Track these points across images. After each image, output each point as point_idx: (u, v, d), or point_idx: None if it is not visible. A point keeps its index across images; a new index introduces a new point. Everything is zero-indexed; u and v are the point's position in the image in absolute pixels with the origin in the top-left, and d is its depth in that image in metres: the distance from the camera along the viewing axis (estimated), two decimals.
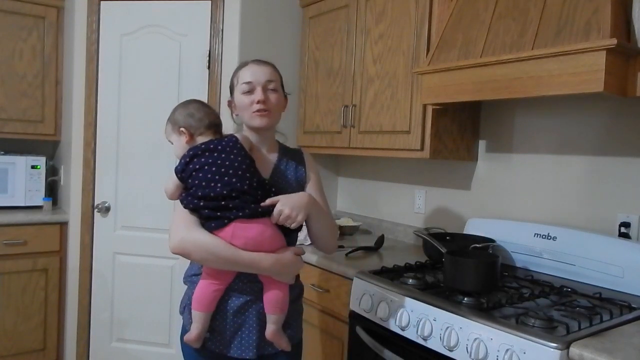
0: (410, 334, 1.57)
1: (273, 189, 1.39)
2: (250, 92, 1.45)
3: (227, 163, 1.33)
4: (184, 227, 1.33)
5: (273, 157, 1.54)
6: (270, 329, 1.39)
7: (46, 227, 2.83)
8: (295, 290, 1.51)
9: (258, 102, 1.44)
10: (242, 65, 1.51)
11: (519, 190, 2.10)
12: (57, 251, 2.86)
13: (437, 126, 2.10)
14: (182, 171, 1.35)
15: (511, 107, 2.13)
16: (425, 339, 1.51)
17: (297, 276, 1.53)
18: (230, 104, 1.54)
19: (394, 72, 2.23)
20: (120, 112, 2.75)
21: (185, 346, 1.45)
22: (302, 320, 1.57)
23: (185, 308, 1.47)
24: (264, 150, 1.53)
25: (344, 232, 2.64)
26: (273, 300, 1.39)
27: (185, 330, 1.47)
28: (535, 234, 1.90)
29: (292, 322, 1.49)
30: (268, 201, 1.34)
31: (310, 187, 1.54)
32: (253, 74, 1.46)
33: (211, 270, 1.37)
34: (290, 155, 1.58)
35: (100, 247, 2.79)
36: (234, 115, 1.55)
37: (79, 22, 2.74)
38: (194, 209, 1.34)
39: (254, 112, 1.45)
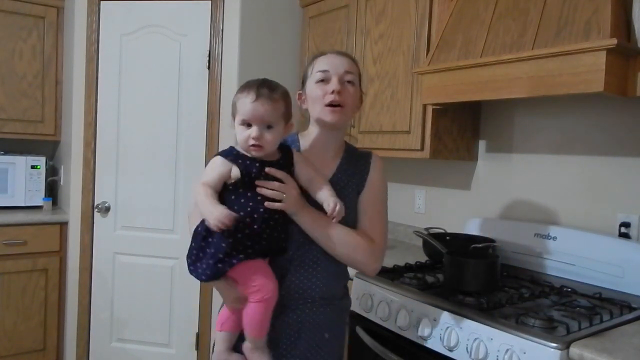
0: (410, 334, 1.56)
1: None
2: (324, 81, 1.28)
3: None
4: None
5: (335, 163, 1.35)
6: (246, 345, 1.22)
7: (46, 227, 2.82)
8: (336, 309, 1.35)
9: (332, 92, 1.26)
10: (319, 54, 1.34)
11: (519, 190, 2.10)
12: (57, 251, 2.86)
13: (437, 126, 2.10)
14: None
15: (511, 107, 2.12)
16: (425, 339, 1.51)
17: (346, 291, 1.40)
18: (301, 97, 1.36)
19: (394, 72, 2.23)
20: (120, 112, 2.75)
21: None
22: (343, 347, 1.43)
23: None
24: (329, 154, 1.35)
25: None
26: (243, 317, 1.21)
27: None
28: (535, 234, 1.89)
29: (334, 344, 1.34)
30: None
31: (365, 195, 1.34)
32: (331, 62, 1.29)
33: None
34: (355, 160, 1.37)
35: (100, 247, 2.79)
36: (302, 108, 1.36)
37: (78, 22, 2.74)
38: None
39: (326, 104, 1.27)
